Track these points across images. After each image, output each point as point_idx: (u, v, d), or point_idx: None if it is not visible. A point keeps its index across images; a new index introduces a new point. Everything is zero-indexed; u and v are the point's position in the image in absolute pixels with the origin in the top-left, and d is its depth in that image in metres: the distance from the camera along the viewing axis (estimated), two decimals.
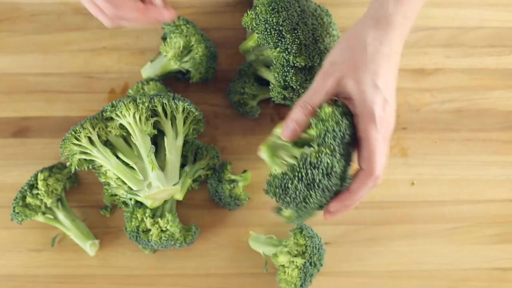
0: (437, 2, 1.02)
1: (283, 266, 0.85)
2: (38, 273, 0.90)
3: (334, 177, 0.68)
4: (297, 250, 0.85)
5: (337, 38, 0.89)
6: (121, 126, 0.85)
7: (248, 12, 0.87)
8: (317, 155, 0.67)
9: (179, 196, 0.87)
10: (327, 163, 0.67)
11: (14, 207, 0.88)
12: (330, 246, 0.91)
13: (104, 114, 0.84)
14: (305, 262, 0.84)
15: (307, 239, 0.85)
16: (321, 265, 0.86)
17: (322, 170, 0.67)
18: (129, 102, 0.82)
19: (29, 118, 0.96)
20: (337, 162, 0.68)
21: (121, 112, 0.83)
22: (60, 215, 0.90)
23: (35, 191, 0.88)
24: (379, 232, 0.93)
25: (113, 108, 0.83)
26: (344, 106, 0.70)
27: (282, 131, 0.71)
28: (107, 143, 0.86)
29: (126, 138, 0.86)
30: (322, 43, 0.85)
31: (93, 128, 0.84)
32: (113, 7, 0.77)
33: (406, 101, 0.98)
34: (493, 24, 1.02)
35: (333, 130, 0.68)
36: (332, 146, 0.67)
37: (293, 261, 0.84)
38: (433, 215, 0.93)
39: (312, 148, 0.68)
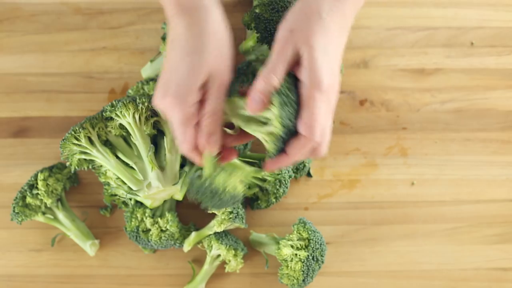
0: (437, 2, 1.02)
1: (285, 260, 0.85)
2: (38, 273, 0.90)
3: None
4: (300, 244, 0.85)
5: None
6: (121, 126, 0.85)
7: (248, 12, 0.87)
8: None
9: (179, 196, 0.87)
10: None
11: (14, 207, 0.88)
12: (330, 246, 0.91)
13: (104, 114, 0.84)
14: (308, 256, 0.84)
15: (310, 232, 0.85)
16: (323, 262, 0.86)
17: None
18: (129, 102, 0.82)
19: (29, 118, 0.96)
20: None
21: (121, 112, 0.83)
22: (60, 215, 0.90)
23: (35, 191, 0.88)
24: (379, 232, 0.93)
25: (113, 108, 0.83)
26: (291, 75, 0.71)
27: (250, 105, 0.71)
28: (107, 143, 0.86)
29: (126, 138, 0.86)
30: None
31: (93, 128, 0.84)
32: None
33: (406, 101, 0.98)
34: (493, 24, 1.02)
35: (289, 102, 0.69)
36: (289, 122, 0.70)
37: (296, 254, 0.84)
38: (433, 215, 0.93)
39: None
